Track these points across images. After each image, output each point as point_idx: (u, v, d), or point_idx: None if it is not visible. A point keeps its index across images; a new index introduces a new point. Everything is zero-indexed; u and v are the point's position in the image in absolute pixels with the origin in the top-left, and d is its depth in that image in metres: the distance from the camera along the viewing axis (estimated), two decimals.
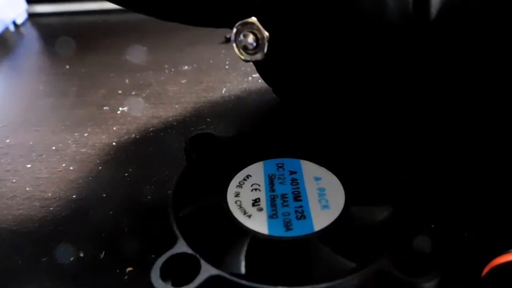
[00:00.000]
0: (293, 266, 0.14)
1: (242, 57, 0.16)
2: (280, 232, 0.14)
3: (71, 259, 0.17)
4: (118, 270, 0.16)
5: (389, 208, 0.15)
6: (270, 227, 0.15)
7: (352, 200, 0.16)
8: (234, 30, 0.16)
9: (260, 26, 0.15)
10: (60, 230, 0.18)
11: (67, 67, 0.36)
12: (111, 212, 0.19)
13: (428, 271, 0.12)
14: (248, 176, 0.17)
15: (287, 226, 0.15)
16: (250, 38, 0.15)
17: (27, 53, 0.43)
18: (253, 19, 0.15)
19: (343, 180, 0.17)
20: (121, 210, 0.19)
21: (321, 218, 0.15)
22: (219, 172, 0.17)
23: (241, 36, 0.16)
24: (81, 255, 0.17)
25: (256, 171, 0.17)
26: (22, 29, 0.48)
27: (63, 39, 0.41)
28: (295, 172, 0.17)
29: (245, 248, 0.14)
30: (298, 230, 0.14)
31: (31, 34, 0.48)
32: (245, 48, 0.16)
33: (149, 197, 0.20)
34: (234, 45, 0.16)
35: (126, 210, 0.19)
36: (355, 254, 0.14)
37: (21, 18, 0.49)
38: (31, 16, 0.51)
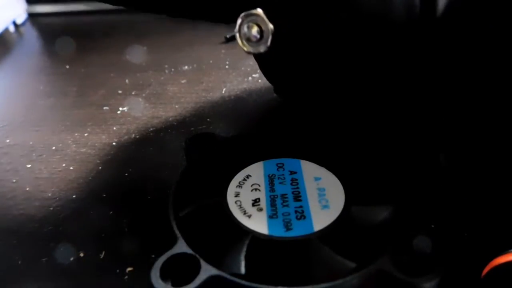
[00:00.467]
0: (293, 266, 0.14)
1: (245, 49, 0.16)
2: (280, 232, 0.14)
3: (71, 259, 0.17)
4: (118, 270, 0.16)
5: (389, 208, 0.15)
6: (270, 227, 0.15)
7: (352, 200, 0.16)
8: (239, 20, 0.15)
9: (265, 18, 0.15)
10: (60, 230, 0.18)
11: (67, 67, 0.36)
12: (111, 212, 0.19)
13: (428, 271, 0.12)
14: (248, 176, 0.17)
15: (287, 226, 0.15)
16: (254, 30, 0.15)
17: (27, 53, 0.43)
18: (259, 10, 0.15)
19: (343, 180, 0.17)
20: (121, 210, 0.19)
21: (321, 218, 0.15)
22: (219, 172, 0.17)
23: (245, 28, 0.15)
24: (81, 255, 0.17)
25: (256, 171, 0.17)
26: (22, 29, 0.48)
27: (63, 39, 0.41)
28: (295, 172, 0.17)
29: (245, 248, 0.14)
30: (298, 230, 0.14)
31: (31, 34, 0.48)
32: (248, 40, 0.16)
33: (149, 197, 0.20)
34: (238, 35, 0.16)
35: (126, 210, 0.19)
36: (355, 254, 0.14)
37: (21, 18, 0.49)
38: (31, 16, 0.51)
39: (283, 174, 0.17)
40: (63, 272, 0.16)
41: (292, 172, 0.17)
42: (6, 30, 0.46)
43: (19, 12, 0.48)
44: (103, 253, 0.17)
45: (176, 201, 0.16)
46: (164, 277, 0.13)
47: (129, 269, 0.16)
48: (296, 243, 0.14)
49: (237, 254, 0.14)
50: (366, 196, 0.16)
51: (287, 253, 0.14)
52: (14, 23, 0.47)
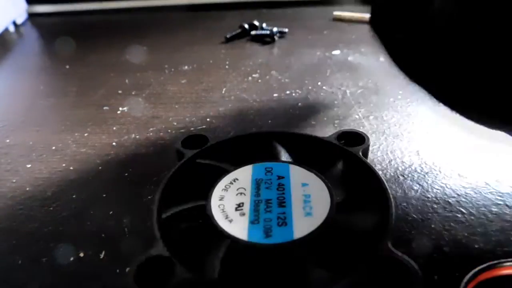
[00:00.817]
0: (270, 273, 0.14)
1: None
2: (259, 238, 0.14)
3: (71, 259, 0.17)
4: (118, 270, 0.16)
5: (372, 219, 0.15)
6: (250, 233, 0.14)
7: (336, 208, 0.15)
8: None
9: None
10: (60, 230, 0.18)
11: (67, 67, 0.36)
12: (111, 212, 0.19)
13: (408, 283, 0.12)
14: (235, 180, 0.17)
15: (267, 232, 0.14)
16: None
17: (27, 53, 0.43)
18: None
19: (330, 186, 0.16)
20: (121, 210, 0.19)
21: (302, 226, 0.14)
22: (208, 174, 0.17)
23: None
24: (81, 255, 0.17)
25: (244, 175, 0.17)
26: (22, 29, 0.48)
27: (63, 39, 0.41)
28: (282, 177, 0.17)
29: (222, 253, 0.14)
30: (277, 237, 0.14)
31: (31, 34, 0.48)
32: None
33: (149, 197, 0.20)
34: None
35: (126, 210, 0.19)
36: (332, 264, 0.13)
37: (21, 18, 0.49)
38: (31, 16, 0.51)
39: (270, 179, 0.17)
40: (63, 272, 0.16)
41: (280, 177, 0.17)
42: (6, 30, 0.46)
43: (19, 12, 0.48)
44: (103, 253, 0.17)
45: (161, 202, 0.16)
46: (140, 279, 0.12)
47: (129, 269, 0.16)
48: (273, 250, 0.14)
49: (214, 258, 0.14)
50: (351, 205, 0.15)
51: (264, 259, 0.14)
52: (14, 23, 0.47)
